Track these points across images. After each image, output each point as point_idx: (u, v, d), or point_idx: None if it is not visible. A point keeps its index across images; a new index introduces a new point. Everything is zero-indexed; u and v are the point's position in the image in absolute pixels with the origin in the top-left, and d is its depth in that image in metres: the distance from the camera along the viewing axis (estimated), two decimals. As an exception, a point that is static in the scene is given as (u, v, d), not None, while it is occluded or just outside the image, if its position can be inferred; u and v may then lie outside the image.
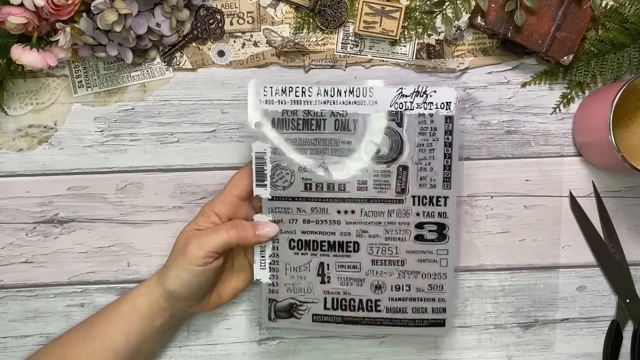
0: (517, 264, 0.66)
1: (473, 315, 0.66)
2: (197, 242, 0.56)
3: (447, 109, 0.57)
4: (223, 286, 0.61)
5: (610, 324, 0.66)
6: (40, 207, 0.64)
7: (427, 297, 0.59)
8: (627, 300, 0.65)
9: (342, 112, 0.57)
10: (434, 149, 0.57)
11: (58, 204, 0.64)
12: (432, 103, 0.57)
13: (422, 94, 0.56)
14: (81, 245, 0.65)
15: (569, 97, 0.64)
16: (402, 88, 0.57)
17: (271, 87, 0.57)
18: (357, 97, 0.57)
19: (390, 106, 0.57)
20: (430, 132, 0.57)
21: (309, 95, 0.57)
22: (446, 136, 0.57)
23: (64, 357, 0.59)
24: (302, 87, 0.57)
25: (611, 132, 0.55)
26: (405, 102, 0.57)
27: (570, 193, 0.65)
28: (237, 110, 0.63)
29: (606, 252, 0.65)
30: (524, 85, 0.64)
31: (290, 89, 0.57)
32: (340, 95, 0.57)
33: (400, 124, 0.57)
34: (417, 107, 0.57)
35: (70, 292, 0.65)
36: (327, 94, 0.57)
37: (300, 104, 0.57)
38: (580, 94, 0.63)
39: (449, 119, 0.57)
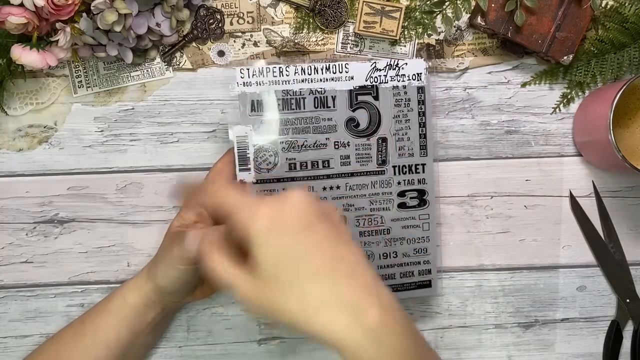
0: (517, 264, 0.66)
1: (473, 315, 0.66)
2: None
3: (418, 80, 0.59)
4: None
5: (610, 324, 0.66)
6: (40, 207, 0.64)
7: (413, 261, 0.61)
8: (627, 300, 0.65)
9: (320, 89, 0.58)
10: (409, 119, 0.59)
11: (58, 204, 0.64)
12: (404, 75, 0.59)
13: (394, 67, 0.59)
14: (81, 245, 0.65)
15: (569, 97, 0.64)
16: (375, 62, 0.58)
17: (247, 69, 0.57)
18: (334, 73, 0.58)
19: (366, 80, 0.58)
20: (404, 103, 0.59)
21: (287, 75, 0.58)
22: (419, 106, 0.59)
23: (56, 355, 0.59)
24: (280, 67, 0.57)
25: (611, 132, 0.55)
26: (380, 75, 0.59)
27: (570, 193, 0.65)
28: (237, 110, 0.63)
29: (606, 252, 0.65)
30: (524, 85, 0.64)
31: (267, 69, 0.57)
32: (318, 73, 0.58)
33: (376, 98, 0.59)
34: (391, 80, 0.59)
35: (70, 292, 0.65)
36: (304, 72, 0.58)
37: (279, 84, 0.58)
38: (580, 94, 0.63)
39: (420, 90, 0.59)
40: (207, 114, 0.63)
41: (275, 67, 0.57)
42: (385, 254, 0.61)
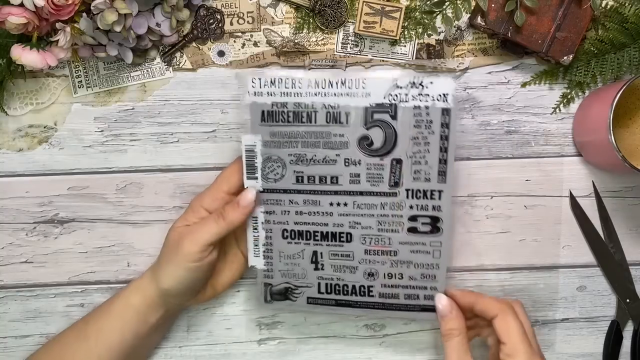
0: (517, 264, 0.66)
1: (473, 315, 0.66)
2: (190, 238, 0.56)
3: (444, 101, 0.54)
4: (217, 278, 0.61)
5: (610, 324, 0.66)
6: (40, 207, 0.64)
7: (420, 285, 0.59)
8: (627, 300, 0.65)
9: (333, 104, 0.55)
10: (429, 143, 0.55)
11: (58, 204, 0.64)
12: (428, 95, 0.54)
13: (418, 85, 0.54)
14: (81, 245, 0.65)
15: (569, 97, 0.64)
16: (396, 79, 0.54)
17: (259, 79, 0.56)
18: (349, 88, 0.55)
19: (384, 98, 0.55)
20: (425, 125, 0.55)
21: (299, 87, 0.55)
22: (442, 129, 0.55)
23: (60, 356, 0.59)
24: (292, 79, 0.55)
25: (611, 132, 0.55)
26: (400, 93, 0.54)
27: (570, 193, 0.65)
28: (237, 110, 0.63)
29: (606, 252, 0.65)
30: (524, 85, 0.64)
31: (280, 80, 0.55)
32: (332, 87, 0.55)
33: (394, 117, 0.55)
34: (413, 99, 0.54)
35: (70, 292, 0.65)
36: (317, 85, 0.55)
37: (290, 95, 0.56)
38: (580, 94, 0.63)
39: (446, 112, 0.54)
40: (207, 114, 0.63)
41: (287, 79, 0.55)
42: (390, 274, 0.59)
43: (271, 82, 0.55)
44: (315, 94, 0.55)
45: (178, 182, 0.64)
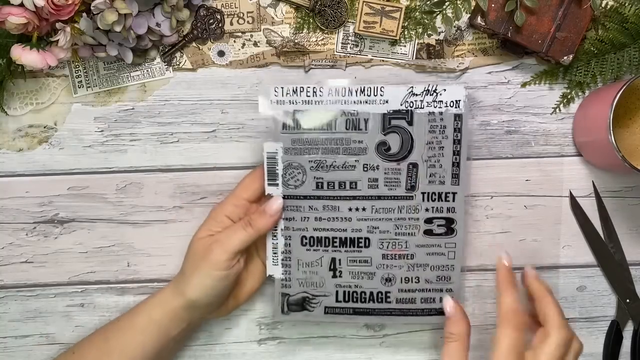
0: (517, 264, 0.66)
1: (473, 315, 0.66)
2: (219, 246, 0.56)
3: (456, 107, 0.57)
4: (239, 288, 0.61)
5: (610, 324, 0.66)
6: (40, 207, 0.64)
7: (436, 287, 0.60)
8: (627, 300, 0.65)
9: (353, 111, 0.57)
10: (443, 147, 0.58)
11: (58, 204, 0.64)
12: (441, 101, 0.57)
13: (432, 92, 0.57)
14: (81, 245, 0.65)
15: (569, 97, 0.64)
16: (412, 87, 0.57)
17: (282, 88, 0.57)
18: (368, 96, 0.57)
19: (401, 105, 0.57)
20: (439, 130, 0.58)
21: (320, 95, 0.57)
22: (455, 134, 0.58)
23: None
24: (313, 87, 0.57)
25: (611, 132, 0.55)
26: (416, 100, 0.57)
27: (570, 193, 0.65)
28: (237, 110, 0.63)
29: (606, 252, 0.65)
30: (524, 85, 0.64)
31: (301, 89, 0.57)
32: (352, 95, 0.57)
33: (410, 123, 0.58)
34: (427, 106, 0.57)
35: (70, 292, 0.65)
36: (338, 93, 0.57)
37: (312, 103, 0.57)
38: (580, 94, 0.63)
39: (458, 117, 0.57)
40: (207, 114, 0.63)
41: (309, 87, 0.57)
42: (407, 279, 0.60)
43: (293, 90, 0.57)
44: (335, 102, 0.57)
45: (178, 182, 0.64)
